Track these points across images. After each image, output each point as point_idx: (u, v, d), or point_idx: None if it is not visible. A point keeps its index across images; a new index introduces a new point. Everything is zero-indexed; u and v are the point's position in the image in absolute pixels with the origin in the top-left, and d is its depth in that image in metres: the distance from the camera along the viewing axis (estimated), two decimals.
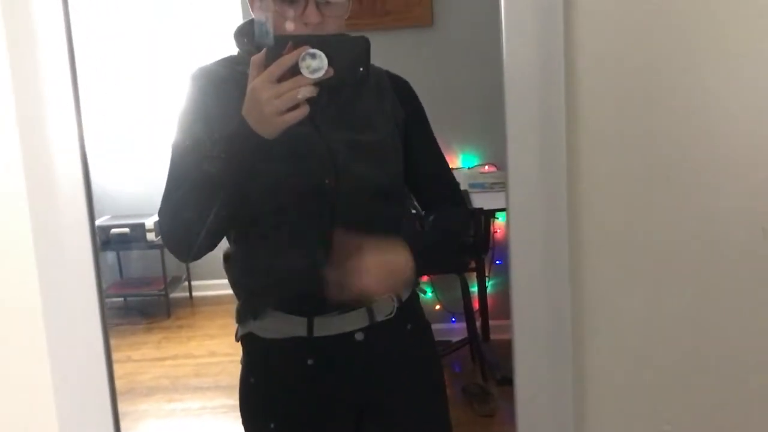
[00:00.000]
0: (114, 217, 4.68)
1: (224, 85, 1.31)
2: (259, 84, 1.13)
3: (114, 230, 4.57)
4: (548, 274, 1.30)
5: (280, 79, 1.13)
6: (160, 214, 1.33)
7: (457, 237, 1.54)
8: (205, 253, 1.33)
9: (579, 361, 1.31)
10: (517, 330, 1.38)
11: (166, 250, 4.67)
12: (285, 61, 1.12)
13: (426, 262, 1.38)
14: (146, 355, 4.03)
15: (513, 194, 1.32)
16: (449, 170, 1.54)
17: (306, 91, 1.13)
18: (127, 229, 4.56)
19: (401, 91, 1.45)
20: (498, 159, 3.82)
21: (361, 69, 1.16)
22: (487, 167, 3.83)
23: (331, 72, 1.14)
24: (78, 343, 1.36)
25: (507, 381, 3.48)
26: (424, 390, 1.50)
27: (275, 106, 1.12)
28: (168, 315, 4.65)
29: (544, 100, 1.22)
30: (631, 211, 1.24)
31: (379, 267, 1.28)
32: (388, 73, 1.46)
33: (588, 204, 1.24)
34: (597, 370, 1.30)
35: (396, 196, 1.44)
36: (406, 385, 1.47)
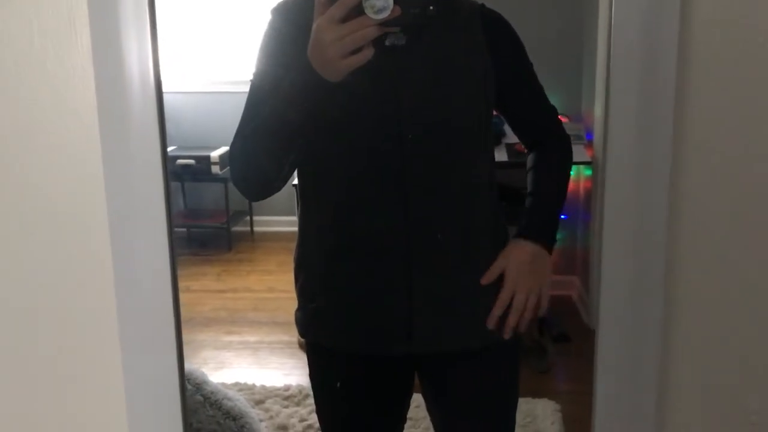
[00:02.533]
0: (180, 148, 4.76)
1: (303, 22, 1.23)
2: (323, 25, 1.08)
3: (179, 161, 4.66)
4: (640, 279, 1.27)
5: (345, 20, 1.07)
6: (231, 147, 1.31)
7: (567, 181, 1.48)
8: (270, 194, 1.33)
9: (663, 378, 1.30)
10: (603, 332, 1.35)
11: (229, 184, 4.77)
12: (347, 0, 1.07)
13: (553, 237, 1.40)
14: (206, 286, 4.14)
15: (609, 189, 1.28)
16: (548, 105, 1.47)
17: (370, 33, 1.07)
18: (192, 161, 4.64)
19: (494, 26, 1.35)
20: (572, 110, 3.72)
21: (431, 7, 1.09)
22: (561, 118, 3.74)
23: (398, 11, 1.07)
24: (145, 271, 1.40)
25: (563, 338, 3.46)
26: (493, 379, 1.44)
27: (338, 48, 1.07)
28: (229, 248, 4.75)
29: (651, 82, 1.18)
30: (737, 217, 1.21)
31: (529, 289, 1.32)
32: (482, 7, 1.36)
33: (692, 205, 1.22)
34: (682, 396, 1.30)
35: (478, 141, 1.35)
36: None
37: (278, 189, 1.31)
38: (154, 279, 1.40)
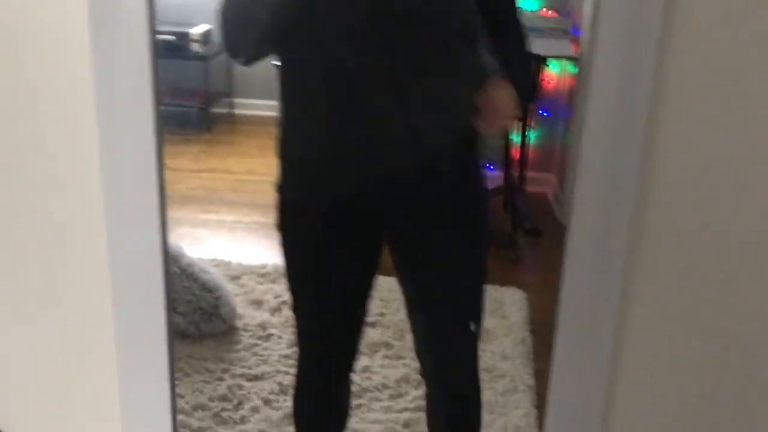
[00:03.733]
0: (159, 23, 4.65)
1: None
2: None
3: (158, 36, 4.56)
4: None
5: None
6: (221, 5, 1.33)
7: (530, 61, 1.55)
8: (260, 58, 1.38)
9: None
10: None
11: (210, 63, 4.70)
12: None
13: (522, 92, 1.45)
14: (184, 165, 4.15)
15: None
16: None
17: None
18: (172, 37, 4.56)
19: None
20: (559, 3, 3.69)
21: None
22: (547, 12, 3.71)
23: None
24: (130, 146, 1.43)
25: (535, 232, 3.56)
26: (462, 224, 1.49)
27: None
28: (208, 129, 4.73)
29: None
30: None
31: (505, 104, 1.40)
32: None
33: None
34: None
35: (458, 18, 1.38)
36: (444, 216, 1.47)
37: (264, 54, 1.37)
38: (138, 155, 1.43)
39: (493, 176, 3.95)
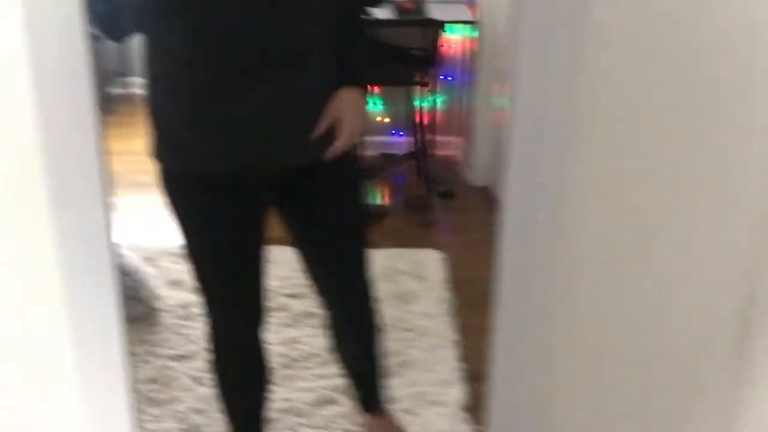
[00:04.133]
0: None
1: None
2: None
3: None
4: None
5: None
6: None
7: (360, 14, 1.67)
8: (129, 33, 1.46)
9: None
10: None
11: (102, 43, 4.54)
12: None
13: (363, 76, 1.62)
14: None
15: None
16: None
17: None
18: None
19: None
20: None
21: None
22: None
23: None
24: (68, 129, 1.40)
25: (448, 194, 3.64)
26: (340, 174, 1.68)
27: None
28: (107, 111, 4.58)
29: None
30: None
31: (351, 119, 1.57)
32: None
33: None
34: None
35: None
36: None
37: (132, 29, 1.45)
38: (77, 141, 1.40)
39: (403, 142, 4.02)
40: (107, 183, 1.49)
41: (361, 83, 1.62)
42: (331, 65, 1.56)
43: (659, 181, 1.37)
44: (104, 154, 1.47)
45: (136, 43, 5.31)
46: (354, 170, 1.76)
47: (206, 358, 2.39)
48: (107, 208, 1.52)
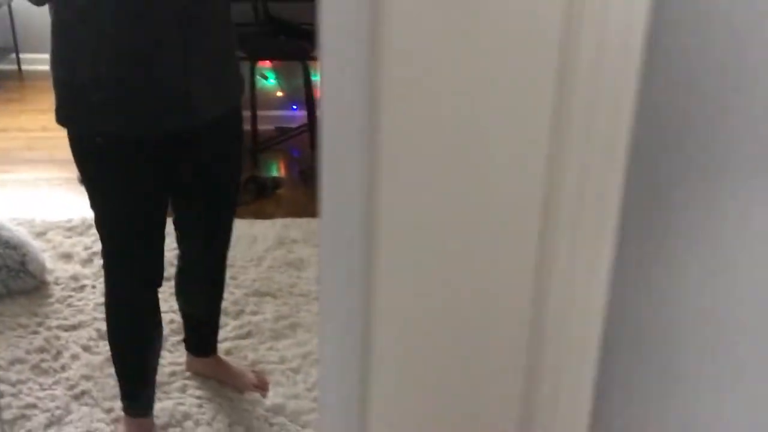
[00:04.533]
0: None
1: None
2: None
3: None
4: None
5: None
6: None
7: None
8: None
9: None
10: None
11: None
12: None
13: None
14: None
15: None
16: None
17: None
18: None
19: None
20: None
21: None
22: None
23: None
24: None
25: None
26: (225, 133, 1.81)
27: None
28: None
29: None
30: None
31: None
32: None
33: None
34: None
35: None
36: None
37: None
38: None
39: (298, 116, 4.09)
40: None
41: None
42: (231, 28, 1.71)
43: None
44: None
45: (23, 18, 5.20)
46: (238, 134, 1.88)
47: (96, 327, 2.44)
48: None
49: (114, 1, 1.51)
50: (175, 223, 1.95)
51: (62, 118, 1.63)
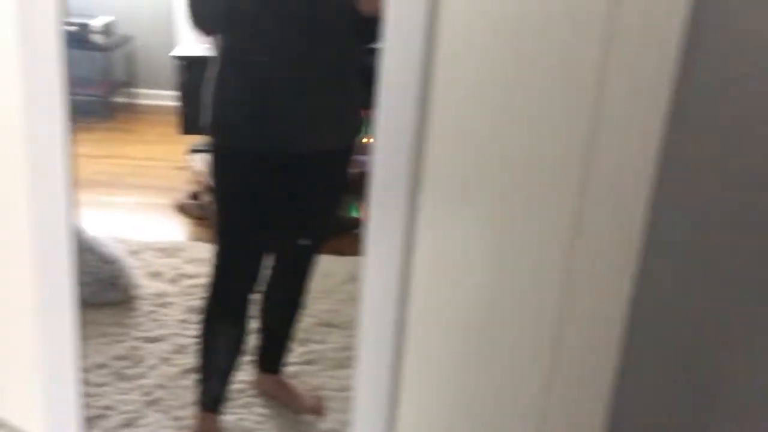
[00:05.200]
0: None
1: None
2: None
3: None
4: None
5: None
6: None
7: None
8: (217, 28, 1.86)
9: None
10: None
11: (112, 53, 4.84)
12: None
13: None
14: (85, 152, 4.26)
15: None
16: None
17: None
18: (75, 28, 4.66)
19: None
20: None
21: None
22: None
23: None
24: (42, 130, 1.66)
25: None
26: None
27: None
28: (110, 118, 4.86)
29: None
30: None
31: None
32: None
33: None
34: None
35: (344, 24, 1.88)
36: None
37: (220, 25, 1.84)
38: (50, 139, 1.66)
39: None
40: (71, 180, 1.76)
41: None
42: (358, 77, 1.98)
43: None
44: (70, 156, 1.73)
45: (143, 56, 5.55)
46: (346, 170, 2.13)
47: (175, 341, 2.63)
48: (71, 208, 1.80)
49: (269, 43, 1.81)
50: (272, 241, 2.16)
51: (209, 131, 1.95)
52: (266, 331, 2.36)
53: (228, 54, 1.88)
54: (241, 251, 2.05)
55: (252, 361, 2.42)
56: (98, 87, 4.87)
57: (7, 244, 1.80)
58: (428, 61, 1.50)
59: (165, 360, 2.55)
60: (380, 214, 1.64)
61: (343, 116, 1.99)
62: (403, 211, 1.61)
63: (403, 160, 1.57)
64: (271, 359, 2.40)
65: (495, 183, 1.56)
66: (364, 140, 3.91)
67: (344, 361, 2.60)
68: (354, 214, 3.88)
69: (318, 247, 2.24)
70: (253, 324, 2.36)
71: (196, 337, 2.17)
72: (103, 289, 2.78)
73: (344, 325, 2.80)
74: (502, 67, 1.47)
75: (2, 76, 1.64)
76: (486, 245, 1.58)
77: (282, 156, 1.93)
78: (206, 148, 2.06)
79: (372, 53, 1.79)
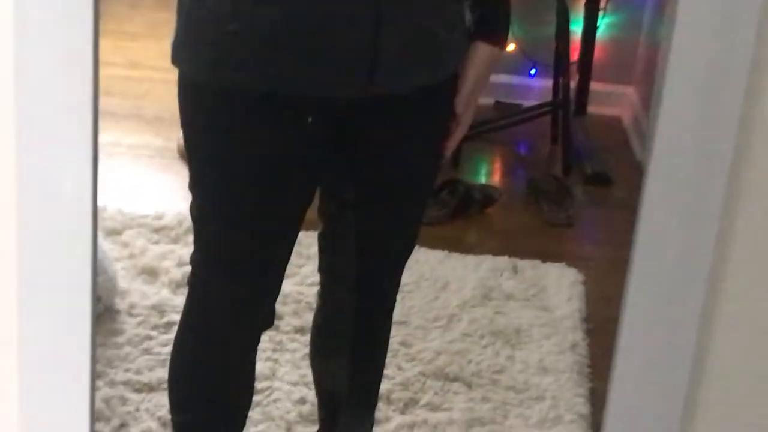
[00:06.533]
0: None
1: None
2: None
3: None
4: None
5: None
6: None
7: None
8: None
9: None
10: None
11: None
12: None
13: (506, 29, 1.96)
14: None
15: None
16: None
17: None
18: None
19: None
20: None
21: None
22: None
23: None
24: None
25: (601, 178, 3.71)
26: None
27: None
28: None
29: None
30: None
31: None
32: None
33: None
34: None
35: None
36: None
37: None
38: None
39: (537, 86, 4.09)
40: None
41: (502, 38, 1.94)
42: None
43: None
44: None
45: None
46: (444, 114, 1.97)
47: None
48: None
49: None
50: (321, 240, 2.08)
51: (180, 59, 1.81)
52: (328, 395, 2.28)
53: None
54: (256, 254, 1.94)
55: None
56: None
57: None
58: None
59: (166, 424, 2.48)
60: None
61: (433, 31, 1.85)
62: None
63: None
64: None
65: None
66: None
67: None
68: (484, 180, 3.75)
69: (405, 249, 2.14)
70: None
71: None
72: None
73: (473, 380, 2.69)
74: None
75: None
76: None
77: (323, 103, 1.82)
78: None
79: None
